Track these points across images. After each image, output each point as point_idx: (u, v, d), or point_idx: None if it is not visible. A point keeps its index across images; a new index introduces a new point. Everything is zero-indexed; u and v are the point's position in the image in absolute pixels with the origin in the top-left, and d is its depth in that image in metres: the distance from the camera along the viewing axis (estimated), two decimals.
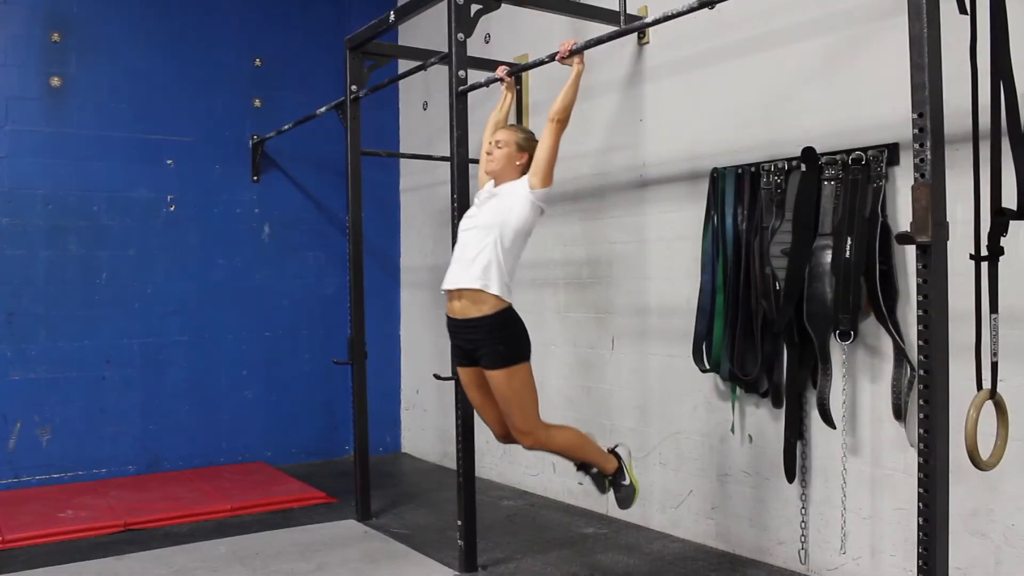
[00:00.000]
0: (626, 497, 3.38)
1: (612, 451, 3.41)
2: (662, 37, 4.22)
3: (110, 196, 5.54)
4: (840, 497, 3.44)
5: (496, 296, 3.12)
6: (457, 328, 3.25)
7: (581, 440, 3.35)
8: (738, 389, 3.86)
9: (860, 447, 3.41)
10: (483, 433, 5.42)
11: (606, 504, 4.64)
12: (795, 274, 3.43)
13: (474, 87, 3.72)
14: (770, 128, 3.71)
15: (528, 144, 3.28)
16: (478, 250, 3.13)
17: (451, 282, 3.20)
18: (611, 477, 3.37)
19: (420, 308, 6.36)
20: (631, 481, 3.39)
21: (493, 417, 3.36)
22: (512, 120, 3.78)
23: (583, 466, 3.41)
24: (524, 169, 3.26)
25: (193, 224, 5.80)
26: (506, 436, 3.39)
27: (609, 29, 3.32)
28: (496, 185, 3.30)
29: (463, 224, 3.30)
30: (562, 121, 3.13)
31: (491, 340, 3.13)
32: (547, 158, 3.12)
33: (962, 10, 2.37)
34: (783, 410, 3.63)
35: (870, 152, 3.25)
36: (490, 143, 3.31)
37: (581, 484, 4.82)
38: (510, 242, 3.13)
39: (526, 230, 3.19)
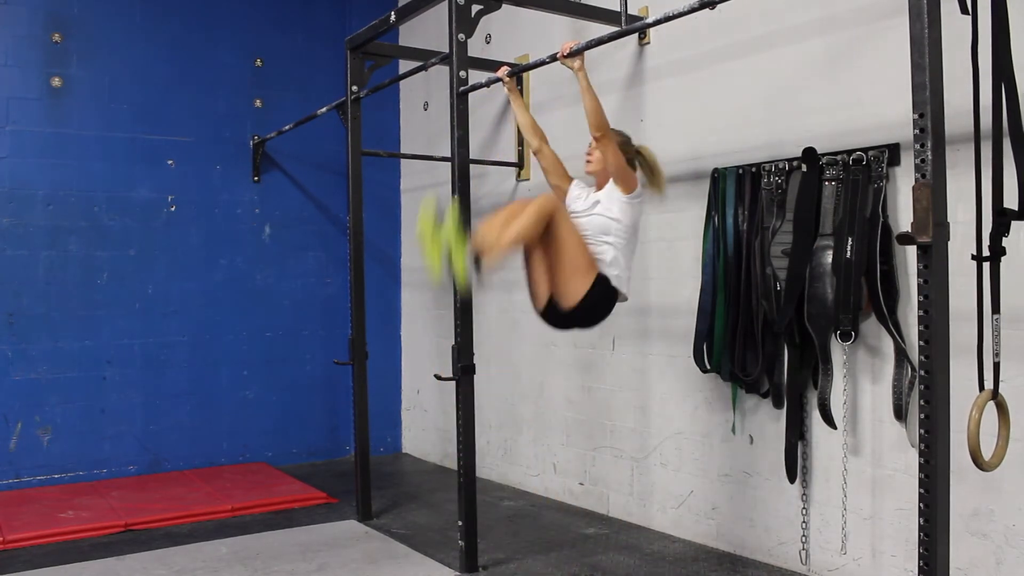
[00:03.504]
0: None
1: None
2: (663, 37, 4.22)
3: (111, 196, 5.54)
4: (841, 497, 3.44)
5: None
6: None
7: (520, 236, 3.10)
8: (739, 389, 3.86)
9: (861, 447, 3.41)
10: (483, 433, 5.44)
11: (607, 504, 4.64)
12: (796, 274, 3.43)
13: (475, 87, 3.72)
14: (771, 128, 3.71)
15: (624, 148, 3.43)
16: (600, 249, 3.32)
17: None
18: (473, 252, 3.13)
19: (421, 308, 6.36)
20: (447, 231, 3.04)
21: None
22: (511, 122, 3.80)
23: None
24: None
25: (194, 224, 5.80)
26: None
27: (610, 29, 3.33)
28: (598, 187, 3.48)
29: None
30: (603, 131, 3.28)
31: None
32: (618, 167, 3.32)
33: (963, 10, 2.37)
34: (784, 410, 3.62)
35: (871, 152, 3.25)
36: (589, 146, 3.46)
37: (582, 484, 4.82)
38: (625, 241, 3.37)
39: (635, 226, 3.43)
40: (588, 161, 3.49)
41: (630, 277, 3.41)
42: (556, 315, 3.30)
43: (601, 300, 3.28)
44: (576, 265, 3.18)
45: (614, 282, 3.30)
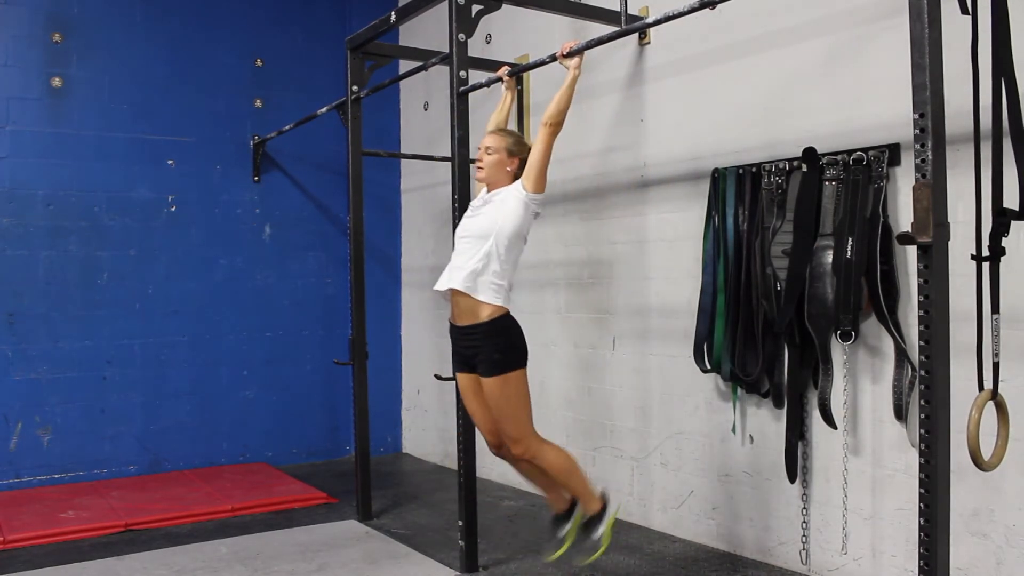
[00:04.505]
0: (589, 549, 3.23)
1: (602, 495, 3.29)
2: (663, 37, 4.22)
3: (111, 196, 5.54)
4: (841, 497, 3.44)
5: (492, 304, 3.13)
6: (458, 335, 3.26)
7: (571, 464, 3.24)
8: (739, 389, 3.86)
9: (861, 447, 3.41)
10: None
11: None
12: (796, 274, 3.43)
13: (475, 87, 3.72)
14: (771, 128, 3.71)
15: (518, 148, 3.27)
16: (471, 257, 3.14)
17: (442, 283, 3.22)
18: (587, 519, 3.25)
19: (421, 308, 6.36)
20: (603, 535, 3.21)
21: (487, 426, 3.31)
22: (512, 122, 3.78)
23: (559, 516, 3.34)
24: (516, 174, 3.25)
25: (194, 224, 5.81)
26: (499, 446, 3.33)
27: (610, 29, 3.33)
28: (489, 191, 3.29)
29: (459, 231, 3.30)
30: (556, 125, 3.12)
31: (488, 347, 3.13)
32: (540, 162, 3.12)
33: (963, 10, 2.37)
34: (784, 410, 3.62)
35: (871, 152, 3.25)
36: (479, 149, 3.30)
37: None
38: (505, 249, 3.13)
39: (521, 234, 3.18)
40: (479, 167, 3.27)
41: (510, 289, 3.19)
42: None
43: (514, 344, 3.16)
44: (523, 410, 3.18)
45: (498, 301, 3.11)
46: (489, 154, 3.25)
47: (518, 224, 3.14)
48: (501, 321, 3.14)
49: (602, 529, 3.22)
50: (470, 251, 3.15)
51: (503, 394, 3.13)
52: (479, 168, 3.27)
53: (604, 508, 3.26)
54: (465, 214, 3.33)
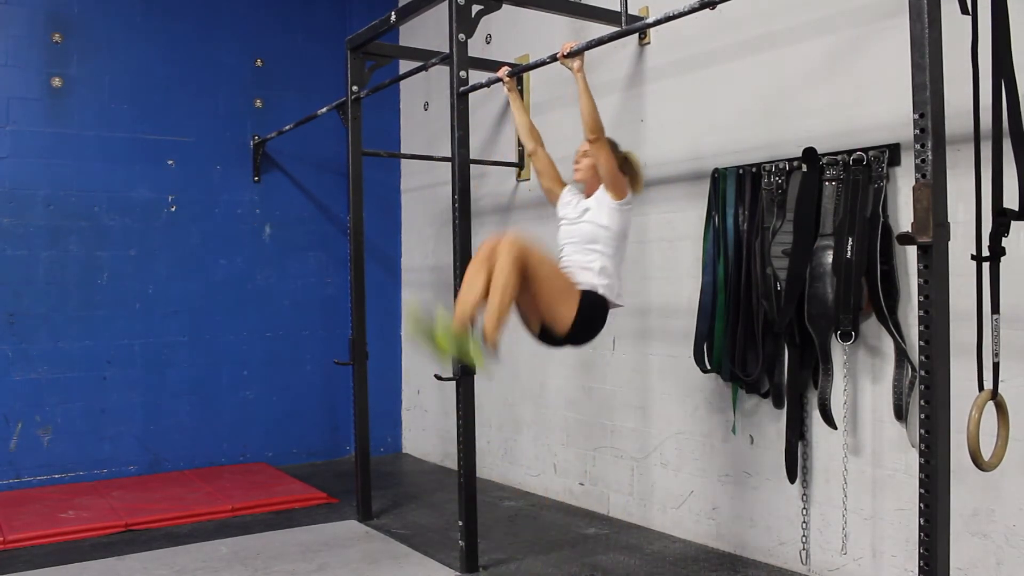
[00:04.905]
0: (439, 323, 3.03)
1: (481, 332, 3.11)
2: (663, 38, 4.22)
3: (111, 196, 5.54)
4: (841, 497, 3.44)
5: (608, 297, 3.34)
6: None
7: (509, 299, 3.02)
8: (739, 389, 3.86)
9: (861, 447, 3.41)
10: (484, 434, 5.44)
11: (607, 505, 4.64)
12: (796, 274, 3.43)
13: (475, 88, 3.72)
14: (771, 128, 3.71)
15: (614, 153, 3.42)
16: (584, 259, 3.34)
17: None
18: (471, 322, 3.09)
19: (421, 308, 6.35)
20: (448, 325, 3.03)
21: (517, 239, 3.12)
22: (509, 123, 3.81)
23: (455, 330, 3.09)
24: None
25: (194, 224, 5.81)
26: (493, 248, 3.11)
27: (610, 30, 3.33)
28: (587, 194, 3.47)
29: (563, 237, 3.47)
30: (599, 133, 3.29)
31: (589, 298, 3.25)
32: (612, 173, 3.33)
33: (963, 10, 2.37)
34: (784, 410, 3.62)
35: (871, 152, 3.25)
36: (577, 152, 3.49)
37: (582, 484, 4.82)
38: (613, 249, 3.37)
39: (625, 233, 3.42)
40: (576, 169, 3.51)
41: (621, 284, 3.42)
42: (552, 339, 3.31)
43: (592, 316, 3.28)
44: (558, 293, 3.17)
45: (602, 291, 3.30)
46: (586, 157, 3.46)
47: (619, 227, 3.37)
48: (602, 301, 3.30)
49: (453, 324, 3.05)
50: (581, 254, 3.35)
51: (563, 284, 3.19)
52: (576, 170, 3.50)
53: (467, 331, 3.08)
54: (562, 218, 3.50)
